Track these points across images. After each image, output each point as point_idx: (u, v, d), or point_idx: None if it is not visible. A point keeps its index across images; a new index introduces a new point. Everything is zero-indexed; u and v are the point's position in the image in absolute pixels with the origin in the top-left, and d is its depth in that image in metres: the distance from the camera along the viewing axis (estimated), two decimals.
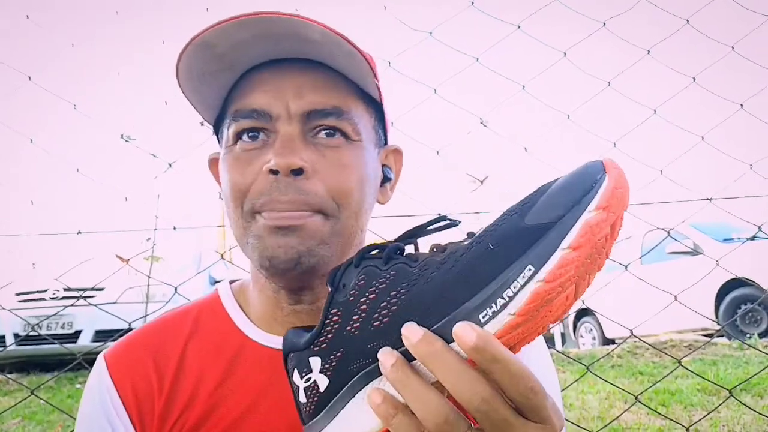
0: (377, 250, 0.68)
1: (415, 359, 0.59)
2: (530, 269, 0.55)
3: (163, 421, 0.87)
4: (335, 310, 0.65)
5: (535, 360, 0.94)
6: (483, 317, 0.57)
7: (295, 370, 0.69)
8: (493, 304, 0.57)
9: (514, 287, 0.56)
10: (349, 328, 0.64)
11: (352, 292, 0.64)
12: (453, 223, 0.70)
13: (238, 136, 0.86)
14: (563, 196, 0.57)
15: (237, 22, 0.79)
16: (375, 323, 0.62)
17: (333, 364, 0.65)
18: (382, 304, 0.62)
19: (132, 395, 0.89)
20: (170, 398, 0.88)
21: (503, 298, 0.56)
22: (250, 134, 0.85)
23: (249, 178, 0.83)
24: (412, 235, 0.70)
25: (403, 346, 0.59)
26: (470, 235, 0.63)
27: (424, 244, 0.69)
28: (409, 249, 0.69)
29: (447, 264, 0.60)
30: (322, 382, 0.66)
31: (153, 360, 0.91)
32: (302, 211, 0.81)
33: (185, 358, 0.91)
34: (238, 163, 0.85)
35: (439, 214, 0.71)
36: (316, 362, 0.67)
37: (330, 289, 0.67)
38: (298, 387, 0.68)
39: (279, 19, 0.79)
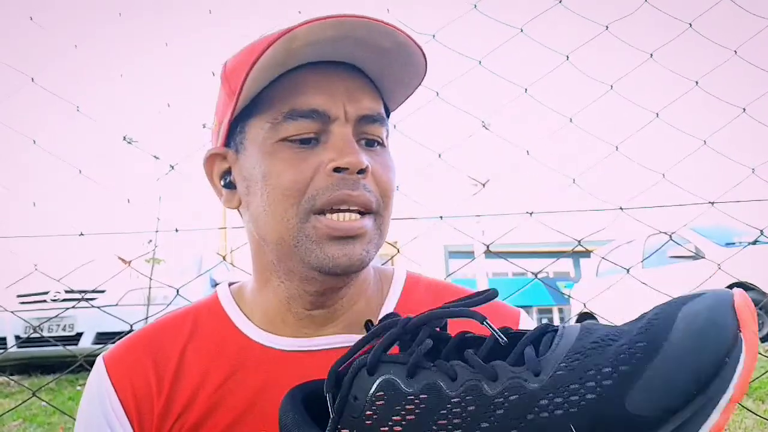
0: (392, 340, 0.54)
1: None
2: None
3: (162, 423, 0.87)
4: (347, 431, 0.52)
5: None
6: None
7: None
8: None
9: None
10: None
11: (368, 412, 0.51)
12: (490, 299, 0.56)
13: (290, 138, 0.84)
14: (682, 373, 0.41)
15: (330, 22, 0.78)
16: None
17: None
18: None
19: (131, 397, 0.89)
20: (169, 399, 0.88)
21: None
22: (303, 139, 0.84)
23: (307, 176, 0.83)
24: (438, 317, 0.55)
25: None
26: (528, 359, 0.48)
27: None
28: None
29: (502, 417, 0.46)
30: None
31: (152, 362, 0.91)
32: (365, 211, 0.84)
33: (184, 360, 0.91)
34: (290, 160, 0.84)
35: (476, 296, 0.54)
36: None
37: (330, 397, 0.54)
38: None
39: (371, 24, 0.80)
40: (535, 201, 2.27)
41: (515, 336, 0.51)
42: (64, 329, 6.20)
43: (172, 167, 2.06)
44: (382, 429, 0.50)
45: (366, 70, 0.88)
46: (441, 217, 2.20)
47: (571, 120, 2.24)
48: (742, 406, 2.67)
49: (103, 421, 0.88)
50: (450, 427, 0.47)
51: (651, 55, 2.32)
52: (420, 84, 0.90)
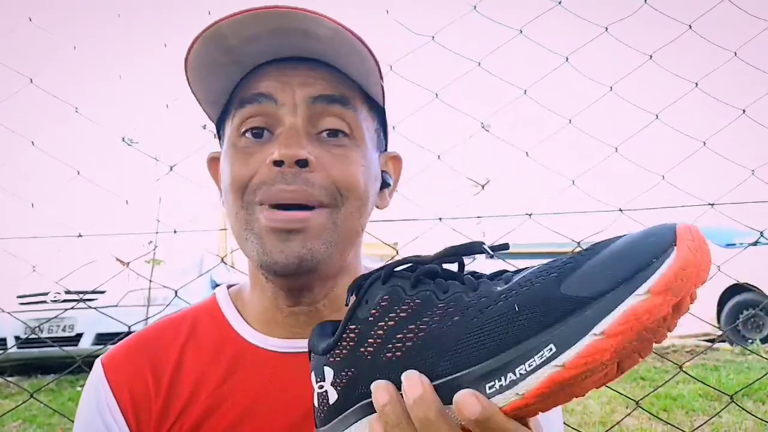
0: (408, 265, 0.62)
1: None
2: (551, 349, 0.48)
3: (160, 425, 0.87)
4: (354, 326, 0.61)
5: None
6: (489, 388, 0.51)
7: (313, 373, 0.66)
8: (502, 377, 0.51)
9: (529, 365, 0.49)
10: (362, 350, 0.60)
11: (373, 311, 0.60)
12: (489, 253, 0.62)
13: (243, 132, 0.85)
14: (614, 266, 0.49)
15: (251, 15, 0.79)
16: (387, 354, 0.58)
17: (343, 381, 0.62)
18: (398, 336, 0.58)
19: (129, 400, 0.89)
20: (167, 402, 0.88)
21: (514, 374, 0.50)
22: (255, 131, 0.85)
23: (251, 169, 0.83)
24: (451, 254, 0.63)
25: None
26: (504, 276, 0.57)
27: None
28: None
29: (471, 311, 0.54)
30: (332, 395, 0.63)
31: (150, 364, 0.91)
32: (306, 205, 0.82)
33: (182, 362, 0.91)
34: (240, 155, 0.85)
35: (483, 244, 0.62)
36: (329, 373, 0.63)
37: (352, 300, 0.63)
38: (313, 389, 0.66)
39: (292, 13, 0.79)
40: (535, 202, 2.26)
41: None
42: (64, 330, 6.20)
43: (171, 168, 2.06)
44: (379, 323, 0.59)
45: (334, 64, 0.86)
46: (440, 219, 2.19)
47: (570, 121, 2.24)
48: (742, 408, 2.66)
49: (101, 424, 0.88)
50: (430, 321, 0.56)
51: (650, 56, 2.31)
52: (378, 69, 0.86)
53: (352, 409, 0.61)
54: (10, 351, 6.01)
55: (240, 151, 0.85)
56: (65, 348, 4.88)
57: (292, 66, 0.85)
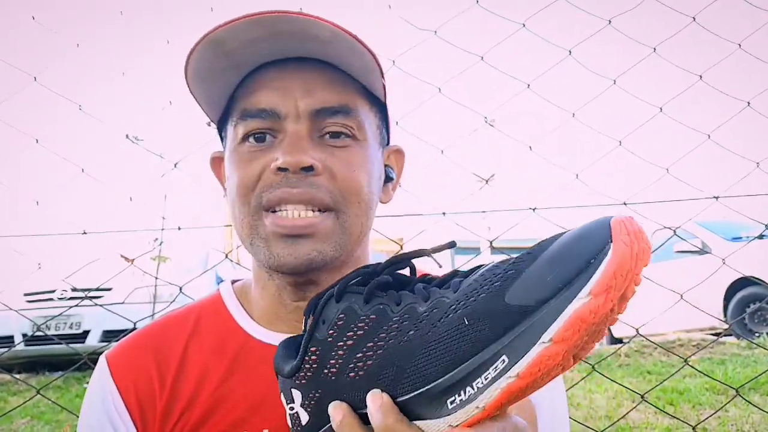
0: (360, 278, 0.63)
1: None
2: (504, 361, 0.49)
3: (165, 420, 0.87)
4: (314, 348, 0.62)
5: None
6: (451, 403, 0.52)
7: (282, 395, 0.67)
8: (461, 392, 0.51)
9: (485, 377, 0.50)
10: (326, 371, 0.61)
11: (330, 332, 0.61)
12: (431, 256, 0.64)
13: (245, 137, 0.86)
14: (552, 272, 0.49)
15: (248, 21, 0.79)
16: (350, 374, 0.59)
17: (312, 402, 0.62)
18: (358, 355, 0.58)
19: (134, 395, 0.89)
20: (172, 397, 0.88)
21: (472, 388, 0.51)
22: (257, 136, 0.85)
23: (256, 174, 0.84)
24: (398, 261, 0.64)
25: None
26: (454, 285, 0.56)
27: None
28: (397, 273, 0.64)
29: (424, 324, 0.55)
30: (303, 416, 0.64)
31: (154, 360, 0.91)
32: (312, 210, 0.82)
33: (187, 358, 0.91)
34: (245, 160, 0.85)
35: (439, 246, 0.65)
36: (297, 395, 0.64)
37: (309, 321, 0.64)
38: (285, 410, 0.66)
39: (288, 17, 0.79)
40: (539, 197, 2.26)
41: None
42: (70, 327, 6.22)
43: (175, 165, 2.06)
44: (338, 344, 0.59)
45: (333, 63, 0.86)
46: (444, 213, 2.19)
47: (573, 115, 2.23)
48: (748, 402, 2.66)
49: (106, 420, 0.89)
50: (387, 338, 0.56)
51: (654, 49, 2.30)
52: (378, 67, 0.86)
53: (325, 428, 0.62)
54: (17, 348, 6.03)
55: (244, 157, 0.86)
56: (72, 345, 4.90)
57: (293, 69, 0.86)
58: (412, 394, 0.54)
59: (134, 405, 0.89)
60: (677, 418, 2.91)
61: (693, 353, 4.74)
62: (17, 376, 5.71)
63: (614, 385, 4.70)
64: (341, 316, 0.60)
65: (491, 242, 2.22)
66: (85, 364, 2.01)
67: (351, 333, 0.59)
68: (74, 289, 5.84)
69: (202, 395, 0.88)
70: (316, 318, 0.63)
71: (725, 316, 7.00)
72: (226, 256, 2.25)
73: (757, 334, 6.81)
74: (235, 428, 0.85)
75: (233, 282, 1.02)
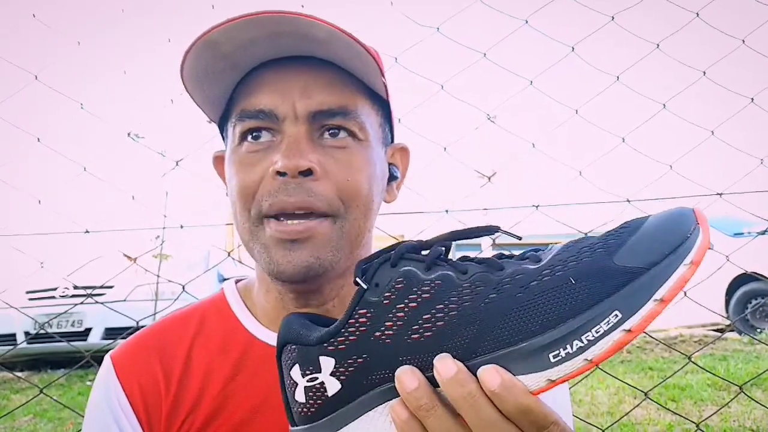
0: (415, 251, 0.62)
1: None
2: (617, 315, 0.53)
3: (170, 421, 0.87)
4: (364, 311, 0.59)
5: (557, 394, 0.92)
6: (554, 357, 0.54)
7: (297, 366, 0.63)
8: (568, 346, 0.53)
9: (597, 331, 0.53)
10: (378, 333, 0.58)
11: (387, 294, 0.59)
12: (495, 232, 0.64)
13: (243, 137, 0.85)
14: (658, 241, 0.54)
15: (243, 21, 0.78)
16: (413, 335, 0.57)
17: (350, 369, 0.60)
18: (425, 316, 0.57)
19: (139, 395, 0.89)
20: (177, 398, 0.88)
21: (581, 341, 0.53)
22: (254, 134, 0.85)
23: (256, 180, 0.83)
24: (455, 238, 0.63)
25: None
26: (533, 257, 0.59)
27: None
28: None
29: (510, 288, 0.56)
30: (332, 386, 0.60)
31: (159, 360, 0.91)
32: (310, 216, 0.81)
33: (191, 358, 0.91)
34: (245, 164, 0.85)
35: (492, 226, 0.65)
36: (327, 363, 0.61)
37: (358, 285, 0.61)
38: (296, 384, 0.63)
39: (285, 18, 0.78)
40: (542, 194, 2.26)
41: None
42: (73, 325, 6.23)
43: (177, 164, 2.06)
44: (398, 306, 0.58)
45: (336, 63, 0.85)
46: (447, 211, 2.19)
47: (577, 112, 2.23)
48: (751, 398, 2.66)
49: (111, 420, 0.89)
50: (460, 301, 0.56)
51: (657, 45, 2.30)
52: (378, 66, 0.85)
53: (361, 398, 0.60)
54: (20, 346, 6.05)
55: (244, 159, 0.85)
56: (74, 343, 4.90)
57: (292, 69, 0.85)
58: (502, 352, 0.55)
59: (140, 405, 0.89)
60: (679, 415, 2.90)
61: (696, 350, 4.73)
62: (20, 374, 5.73)
63: (616, 381, 4.71)
64: (400, 279, 0.59)
65: (494, 239, 2.21)
66: (88, 362, 2.01)
67: (414, 296, 0.58)
68: (76, 287, 5.85)
69: (207, 396, 0.87)
70: (368, 279, 0.61)
71: (727, 312, 7.01)
72: (229, 255, 2.25)
73: (759, 330, 6.82)
74: (240, 429, 0.85)
75: (237, 282, 1.01)
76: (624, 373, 5.42)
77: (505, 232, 0.65)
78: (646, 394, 2.34)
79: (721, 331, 7.04)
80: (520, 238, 0.66)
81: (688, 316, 6.90)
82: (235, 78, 0.86)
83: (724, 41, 2.35)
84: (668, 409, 3.19)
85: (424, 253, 0.62)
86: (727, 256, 2.45)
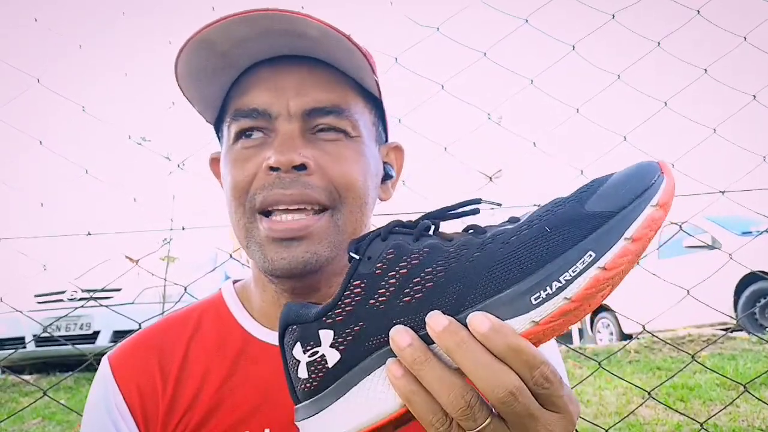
0: (404, 226, 0.65)
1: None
2: (591, 255, 0.56)
3: (167, 421, 0.87)
4: (358, 282, 0.62)
5: (546, 352, 0.93)
6: (535, 299, 0.57)
7: (298, 344, 0.65)
8: (547, 287, 0.57)
9: (573, 271, 0.56)
10: (372, 301, 0.61)
11: (378, 264, 0.62)
12: (476, 205, 0.67)
13: (237, 137, 0.86)
14: (624, 188, 0.58)
15: (237, 19, 0.79)
16: (405, 298, 0.60)
17: (348, 338, 0.62)
18: (415, 280, 0.60)
19: (136, 396, 0.89)
20: (174, 397, 0.88)
21: (559, 282, 0.56)
22: (248, 133, 0.85)
23: (249, 175, 0.84)
24: (439, 215, 0.67)
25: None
26: (513, 219, 0.63)
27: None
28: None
29: (492, 245, 0.60)
30: (332, 357, 0.63)
31: (157, 361, 0.92)
32: (306, 209, 0.82)
33: (189, 358, 0.91)
34: (238, 160, 0.85)
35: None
36: (326, 335, 0.63)
37: (352, 259, 0.64)
38: (298, 362, 0.65)
39: (278, 15, 0.79)
40: (543, 193, 2.25)
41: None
42: (81, 328, 6.25)
43: (179, 166, 2.07)
44: (389, 274, 0.61)
45: (326, 61, 0.86)
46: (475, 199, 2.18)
47: (577, 110, 2.22)
48: (757, 398, 2.64)
49: (108, 421, 0.89)
50: (446, 263, 0.60)
51: (658, 43, 2.29)
52: (369, 65, 0.86)
53: (360, 363, 0.62)
54: (28, 349, 6.07)
55: (238, 156, 0.86)
56: (83, 346, 4.91)
57: (286, 67, 0.85)
58: (487, 301, 0.58)
59: (137, 406, 0.89)
60: (686, 415, 2.89)
61: (702, 348, 4.71)
62: (28, 377, 5.76)
63: (623, 381, 4.69)
64: (390, 250, 0.62)
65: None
66: (94, 365, 2.02)
67: (404, 263, 0.61)
68: (84, 290, 5.88)
69: (204, 395, 0.88)
70: (361, 253, 0.64)
71: (735, 311, 6.96)
72: (231, 256, 2.26)
73: (767, 329, 6.77)
74: (237, 428, 0.85)
75: (235, 282, 1.02)
76: (632, 373, 5.39)
77: (487, 201, 0.68)
78: (649, 393, 2.33)
79: (729, 330, 7.00)
80: (500, 205, 0.69)
81: (696, 315, 6.86)
82: (230, 77, 0.87)
83: (725, 39, 2.34)
84: (675, 410, 3.18)
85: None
86: (730, 255, 2.44)
